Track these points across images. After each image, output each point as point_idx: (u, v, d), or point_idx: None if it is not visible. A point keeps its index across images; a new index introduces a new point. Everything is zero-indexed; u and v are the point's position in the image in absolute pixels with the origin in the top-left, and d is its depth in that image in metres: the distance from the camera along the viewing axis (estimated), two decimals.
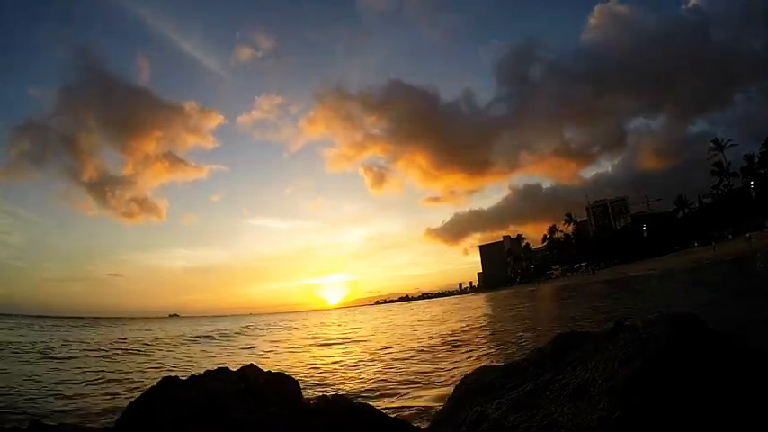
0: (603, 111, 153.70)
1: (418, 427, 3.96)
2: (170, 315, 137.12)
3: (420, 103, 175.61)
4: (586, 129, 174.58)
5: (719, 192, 66.76)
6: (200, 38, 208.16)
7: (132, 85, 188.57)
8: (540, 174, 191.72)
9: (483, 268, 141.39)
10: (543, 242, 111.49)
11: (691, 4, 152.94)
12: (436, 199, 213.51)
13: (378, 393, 6.81)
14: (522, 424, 2.49)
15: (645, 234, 77.69)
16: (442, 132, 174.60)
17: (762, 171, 58.26)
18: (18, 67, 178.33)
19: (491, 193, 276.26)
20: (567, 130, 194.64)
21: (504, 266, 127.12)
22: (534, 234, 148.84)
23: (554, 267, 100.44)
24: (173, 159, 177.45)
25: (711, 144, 69.55)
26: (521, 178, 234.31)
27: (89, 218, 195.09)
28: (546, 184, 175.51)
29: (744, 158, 62.70)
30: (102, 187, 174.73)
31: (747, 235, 44.80)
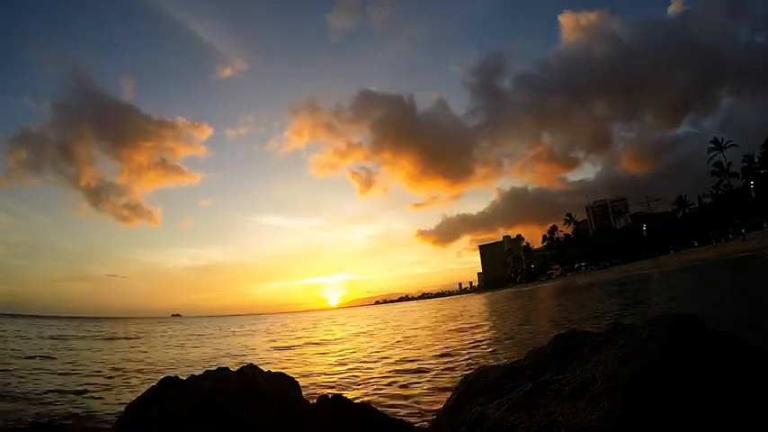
0: (586, 117, 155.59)
1: (418, 427, 3.96)
2: (172, 315, 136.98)
3: (397, 111, 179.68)
4: (570, 134, 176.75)
5: (719, 192, 66.71)
6: (189, 55, 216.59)
7: (127, 103, 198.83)
8: (528, 178, 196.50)
9: (483, 268, 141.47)
10: (543, 242, 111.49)
11: (673, 10, 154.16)
12: (426, 203, 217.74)
13: None
14: (522, 424, 2.49)
15: (645, 234, 77.62)
16: (427, 139, 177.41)
17: (762, 171, 58.19)
18: (16, 78, 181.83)
19: (480, 196, 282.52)
20: (552, 136, 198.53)
21: (504, 266, 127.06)
22: (525, 235, 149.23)
23: (554, 267, 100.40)
24: (168, 167, 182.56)
25: (711, 144, 69.52)
26: (509, 182, 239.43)
27: (87, 221, 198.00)
28: (534, 188, 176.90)
29: (743, 159, 62.70)
30: (99, 193, 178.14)
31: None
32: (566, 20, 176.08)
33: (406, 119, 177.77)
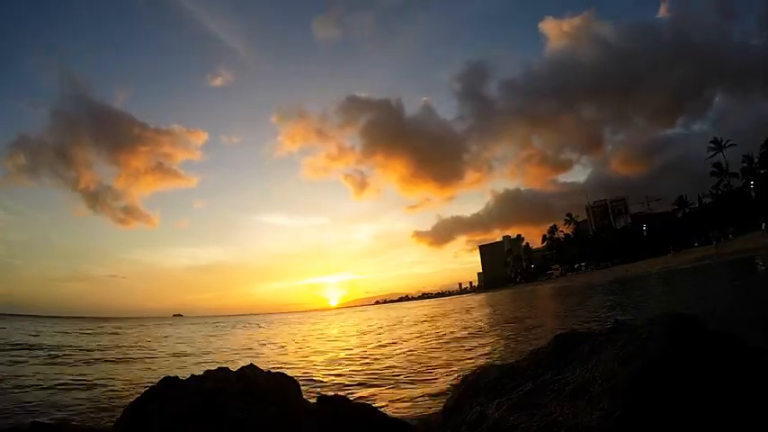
0: (576, 120, 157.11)
1: (418, 427, 3.96)
2: (174, 315, 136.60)
3: (386, 115, 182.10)
4: (562, 137, 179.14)
5: (719, 192, 66.74)
6: (184, 64, 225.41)
7: (123, 111, 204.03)
8: (521, 180, 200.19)
9: (483, 268, 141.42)
10: (543, 242, 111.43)
11: (664, 12, 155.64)
12: (420, 204, 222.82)
13: None
14: (521, 424, 2.49)
15: (645, 234, 77.62)
16: (417, 143, 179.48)
17: (762, 171, 58.19)
18: (13, 83, 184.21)
19: (473, 198, 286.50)
20: (544, 139, 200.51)
21: (504, 266, 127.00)
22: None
23: (554, 267, 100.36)
24: (165, 171, 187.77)
25: (710, 144, 69.61)
26: (502, 184, 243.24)
27: (86, 223, 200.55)
28: (528, 190, 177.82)
29: (743, 159, 62.75)
30: (98, 196, 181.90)
31: (763, 226, 44.08)
32: (550, 25, 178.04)
33: (395, 123, 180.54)
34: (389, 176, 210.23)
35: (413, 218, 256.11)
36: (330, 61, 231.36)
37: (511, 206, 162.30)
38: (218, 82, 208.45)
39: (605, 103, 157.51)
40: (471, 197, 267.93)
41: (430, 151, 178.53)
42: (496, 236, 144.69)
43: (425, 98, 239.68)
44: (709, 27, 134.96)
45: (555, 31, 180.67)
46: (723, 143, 68.65)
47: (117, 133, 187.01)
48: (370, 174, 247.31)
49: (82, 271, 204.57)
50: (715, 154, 68.74)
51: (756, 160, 59.96)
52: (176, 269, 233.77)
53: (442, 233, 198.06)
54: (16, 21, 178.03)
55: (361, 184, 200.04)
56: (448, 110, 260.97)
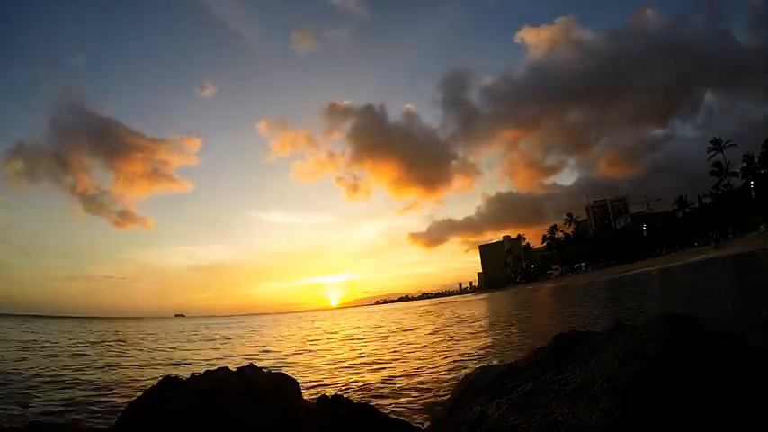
0: (565, 123, 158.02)
1: (418, 427, 3.96)
2: (175, 315, 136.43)
3: (371, 121, 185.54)
4: (549, 141, 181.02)
5: (719, 192, 66.73)
6: (177, 76, 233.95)
7: (119, 120, 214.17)
8: (513, 183, 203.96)
9: (483, 268, 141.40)
10: (543, 242, 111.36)
11: (654, 13, 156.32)
12: (413, 207, 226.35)
13: None
14: (521, 424, 2.49)
15: (645, 234, 77.64)
16: (406, 148, 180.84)
17: (762, 171, 58.17)
18: (11, 91, 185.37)
19: (467, 199, 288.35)
20: (531, 144, 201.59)
21: (504, 266, 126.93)
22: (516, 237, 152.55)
23: (554, 267, 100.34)
24: (160, 175, 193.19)
25: (710, 144, 69.61)
26: (495, 187, 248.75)
27: (83, 225, 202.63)
28: (519, 193, 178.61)
29: (743, 159, 62.74)
30: (95, 199, 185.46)
31: (762, 228, 44.21)
32: (531, 32, 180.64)
33: (379, 128, 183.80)
34: (380, 180, 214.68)
35: (409, 219, 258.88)
36: (315, 71, 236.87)
37: (503, 209, 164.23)
38: (211, 90, 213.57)
39: (594, 106, 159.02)
40: (462, 199, 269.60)
41: (415, 156, 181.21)
42: (490, 237, 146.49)
43: (408, 105, 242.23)
44: (699, 27, 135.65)
45: (535, 37, 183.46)
46: (723, 143, 68.62)
47: (113, 141, 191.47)
48: (362, 177, 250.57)
49: (81, 271, 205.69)
50: (714, 154, 68.76)
51: (757, 160, 59.93)
52: (176, 269, 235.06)
53: (437, 235, 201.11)
54: (16, 30, 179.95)
55: (354, 187, 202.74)
56: (433, 118, 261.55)
